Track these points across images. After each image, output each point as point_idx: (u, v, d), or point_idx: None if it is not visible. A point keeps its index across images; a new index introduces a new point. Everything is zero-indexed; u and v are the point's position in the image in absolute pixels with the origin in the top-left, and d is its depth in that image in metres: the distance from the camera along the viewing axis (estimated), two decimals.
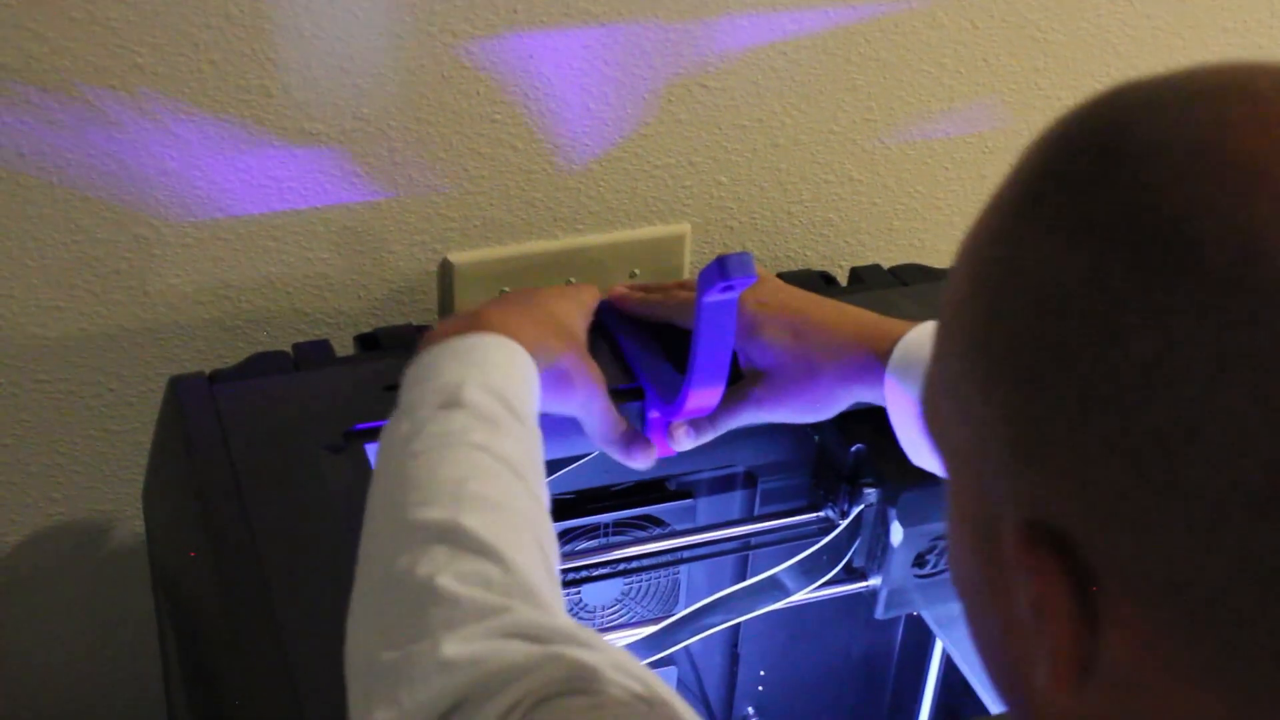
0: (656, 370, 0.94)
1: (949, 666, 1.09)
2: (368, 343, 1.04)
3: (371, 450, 0.91)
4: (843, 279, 1.17)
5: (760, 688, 1.22)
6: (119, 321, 1.10)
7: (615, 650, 0.62)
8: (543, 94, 1.12)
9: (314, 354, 1.01)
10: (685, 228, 1.23)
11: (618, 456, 0.91)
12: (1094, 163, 0.42)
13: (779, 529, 1.04)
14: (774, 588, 1.02)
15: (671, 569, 1.10)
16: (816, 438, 1.03)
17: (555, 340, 0.85)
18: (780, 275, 1.01)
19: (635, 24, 1.11)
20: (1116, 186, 0.41)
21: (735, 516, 1.11)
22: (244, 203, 1.09)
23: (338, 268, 1.14)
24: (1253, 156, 0.39)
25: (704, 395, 0.90)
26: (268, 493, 0.87)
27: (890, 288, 1.13)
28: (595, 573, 1.02)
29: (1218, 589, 0.39)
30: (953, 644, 1.05)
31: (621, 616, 1.10)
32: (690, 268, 1.25)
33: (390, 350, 1.02)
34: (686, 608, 1.02)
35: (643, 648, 1.00)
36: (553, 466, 0.97)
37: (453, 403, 0.75)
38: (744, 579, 1.06)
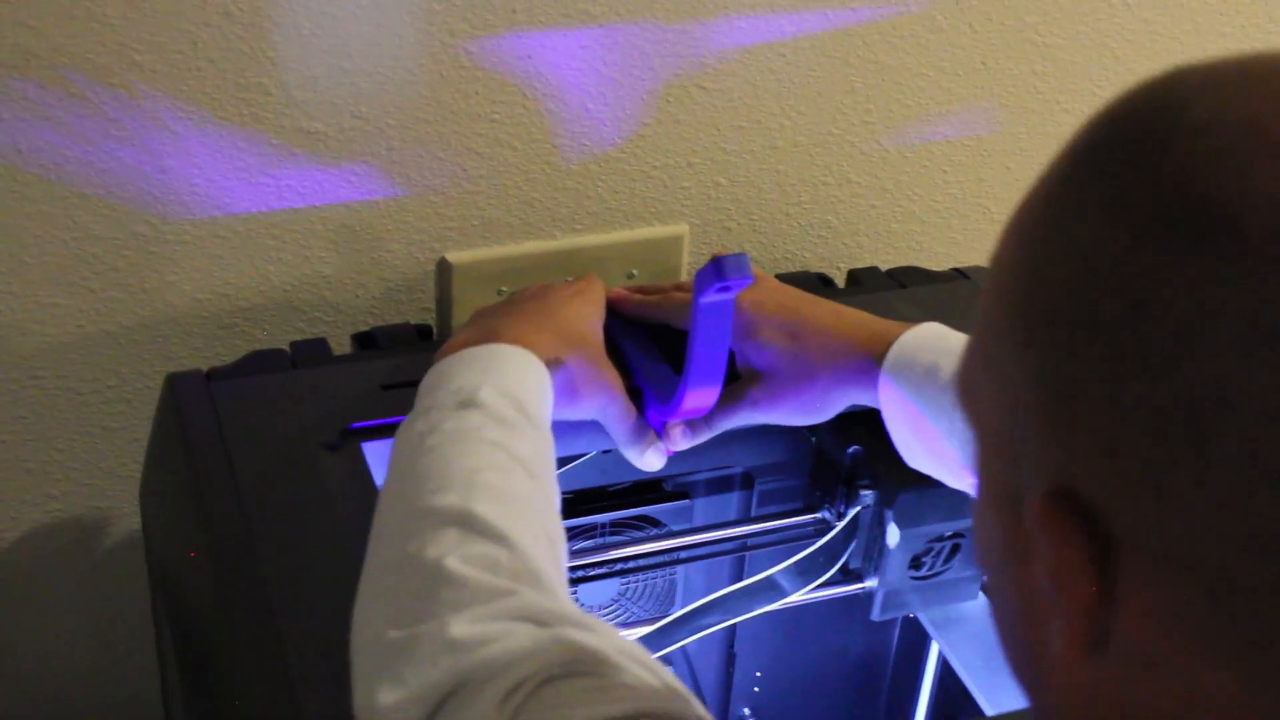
0: (653, 371, 0.94)
1: (945, 668, 1.09)
2: (365, 341, 1.04)
3: (369, 449, 0.92)
4: (840, 281, 1.17)
5: (756, 689, 1.22)
6: (117, 319, 1.10)
7: (620, 636, 0.62)
8: (541, 94, 1.12)
9: (311, 352, 1.01)
10: (683, 229, 1.23)
11: (633, 457, 0.92)
12: (1142, 137, 0.42)
13: (776, 530, 1.04)
14: (770, 589, 1.02)
15: (668, 569, 1.10)
16: (814, 439, 1.03)
17: (570, 347, 0.86)
18: (778, 277, 1.01)
19: (634, 25, 1.11)
20: (1162, 160, 0.41)
21: (732, 517, 1.11)
22: (242, 201, 1.09)
23: (336, 266, 1.15)
24: None
25: (700, 396, 0.90)
26: (265, 490, 0.87)
27: (888, 290, 1.13)
28: (592, 573, 1.02)
29: (1236, 563, 0.39)
30: (948, 646, 1.05)
31: (618, 617, 1.11)
32: (688, 269, 1.25)
33: (388, 349, 1.02)
34: (683, 608, 1.02)
35: None
36: None
37: (469, 403, 0.76)
38: (740, 580, 1.06)
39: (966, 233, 1.36)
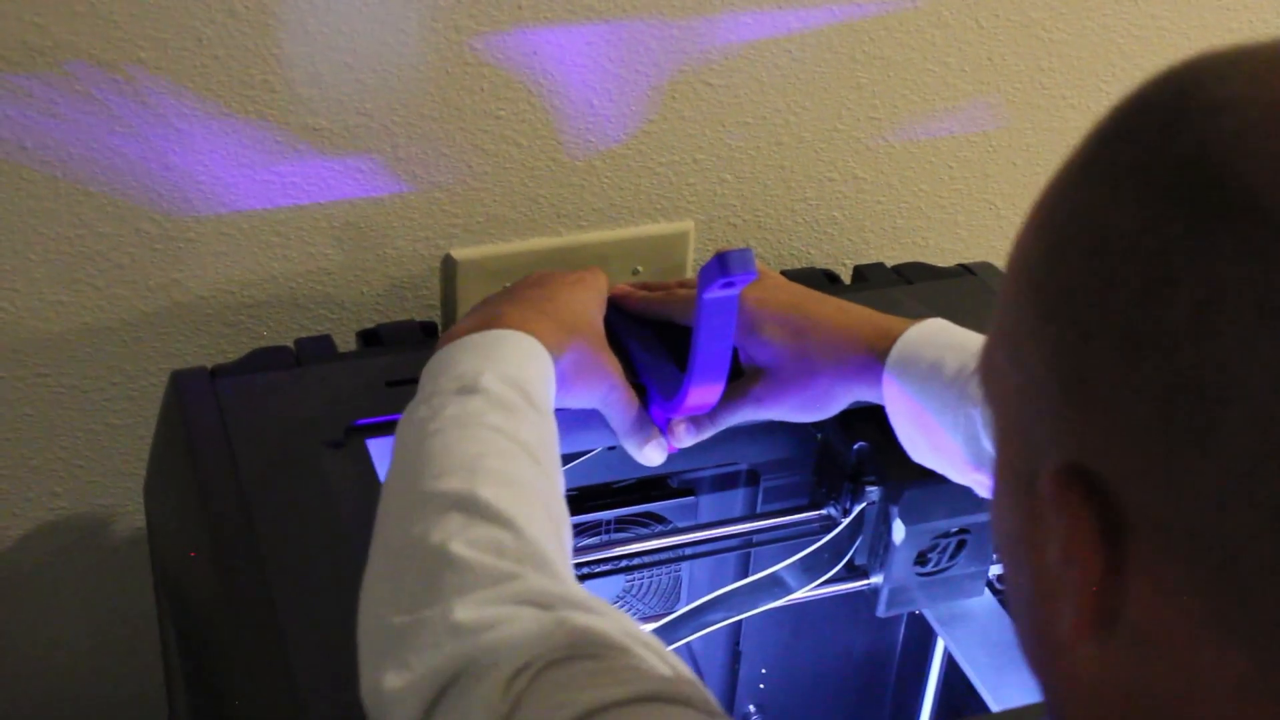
0: (657, 367, 0.94)
1: (950, 665, 1.09)
2: (370, 338, 1.04)
3: (374, 446, 0.92)
4: (846, 277, 1.17)
5: (761, 685, 1.22)
6: (121, 316, 1.10)
7: (627, 618, 0.62)
8: (546, 90, 1.12)
9: (316, 349, 1.01)
10: (689, 225, 1.23)
11: (633, 449, 0.92)
12: (1163, 116, 0.42)
13: (781, 526, 1.04)
14: (775, 585, 1.02)
15: (673, 566, 1.10)
16: (819, 435, 1.03)
17: (572, 334, 0.86)
18: (784, 273, 1.01)
19: (639, 20, 1.11)
20: (1181, 137, 0.41)
21: (737, 514, 1.11)
22: (247, 198, 1.08)
23: (340, 263, 1.14)
24: None
25: (704, 392, 0.90)
26: (269, 488, 0.87)
27: (894, 286, 1.13)
28: (597, 569, 1.02)
29: (1245, 542, 0.39)
30: (954, 642, 1.05)
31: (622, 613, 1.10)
32: (693, 265, 1.25)
33: (392, 346, 1.02)
34: (688, 605, 1.02)
35: None
36: None
37: (471, 389, 0.76)
38: (746, 576, 1.06)
39: (972, 229, 1.35)
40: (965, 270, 1.16)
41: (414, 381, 0.82)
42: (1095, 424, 0.42)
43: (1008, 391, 0.47)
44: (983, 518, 0.98)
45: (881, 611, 1.02)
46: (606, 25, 1.10)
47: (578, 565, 1.00)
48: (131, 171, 1.04)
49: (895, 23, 1.20)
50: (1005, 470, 0.49)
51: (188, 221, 1.08)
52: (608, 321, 0.98)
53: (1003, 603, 1.03)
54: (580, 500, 1.05)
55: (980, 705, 1.00)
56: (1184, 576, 0.41)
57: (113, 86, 1.00)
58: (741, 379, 0.92)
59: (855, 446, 0.98)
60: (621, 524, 1.07)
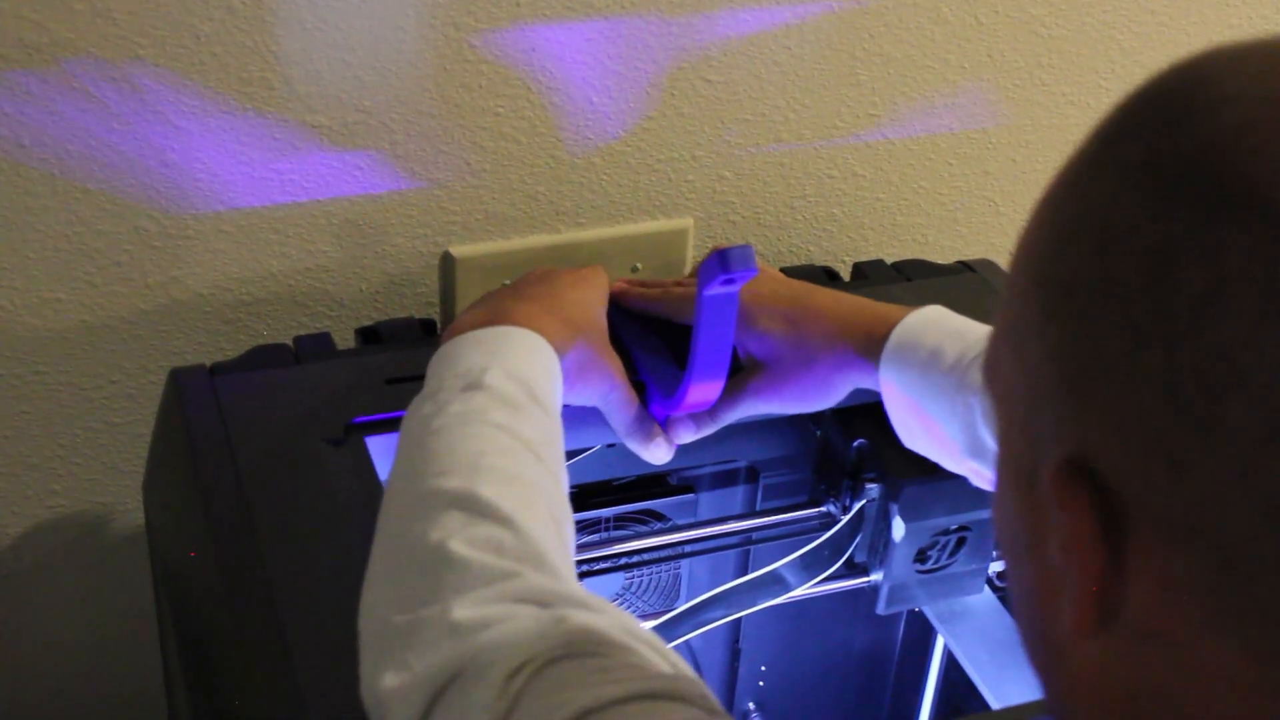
0: (657, 365, 0.94)
1: (950, 662, 1.09)
2: (368, 336, 1.04)
3: (373, 443, 0.91)
4: (846, 274, 1.17)
5: (761, 683, 1.22)
6: (120, 313, 1.10)
7: (627, 616, 0.62)
8: (545, 87, 1.12)
9: (315, 347, 1.01)
10: (688, 222, 1.23)
11: (636, 447, 0.92)
12: (1168, 109, 0.42)
13: (780, 524, 1.04)
14: (775, 583, 1.02)
15: (673, 563, 1.10)
16: (819, 432, 1.03)
17: (577, 333, 0.86)
18: (783, 270, 1.01)
19: (637, 17, 1.11)
20: (1186, 130, 0.41)
21: (737, 511, 1.11)
22: (245, 195, 1.08)
23: (339, 260, 1.14)
24: None
25: (705, 389, 0.90)
26: (268, 485, 0.87)
27: (893, 283, 1.13)
28: (596, 567, 1.02)
29: (1246, 536, 0.39)
30: (954, 640, 1.05)
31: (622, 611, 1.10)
32: (693, 262, 1.25)
33: (391, 343, 1.02)
34: (687, 602, 1.02)
35: None
36: None
37: (475, 385, 0.76)
38: (745, 574, 1.06)
39: (971, 226, 1.35)
40: (965, 267, 1.16)
41: (414, 378, 0.82)
42: (1097, 419, 0.42)
43: (1011, 387, 0.47)
44: (983, 514, 0.98)
45: (881, 609, 1.02)
46: (605, 22, 1.10)
47: (578, 563, 1.00)
48: (130, 169, 1.04)
49: (894, 19, 1.20)
50: (1008, 467, 0.48)
51: (186, 219, 1.08)
52: (608, 319, 0.98)
53: (1003, 600, 1.03)
54: (580, 497, 1.05)
55: (980, 703, 1.00)
56: (1185, 570, 0.40)
57: (111, 84, 1.00)
58: (740, 374, 0.92)
59: (855, 443, 0.98)
60: (621, 521, 1.07)
